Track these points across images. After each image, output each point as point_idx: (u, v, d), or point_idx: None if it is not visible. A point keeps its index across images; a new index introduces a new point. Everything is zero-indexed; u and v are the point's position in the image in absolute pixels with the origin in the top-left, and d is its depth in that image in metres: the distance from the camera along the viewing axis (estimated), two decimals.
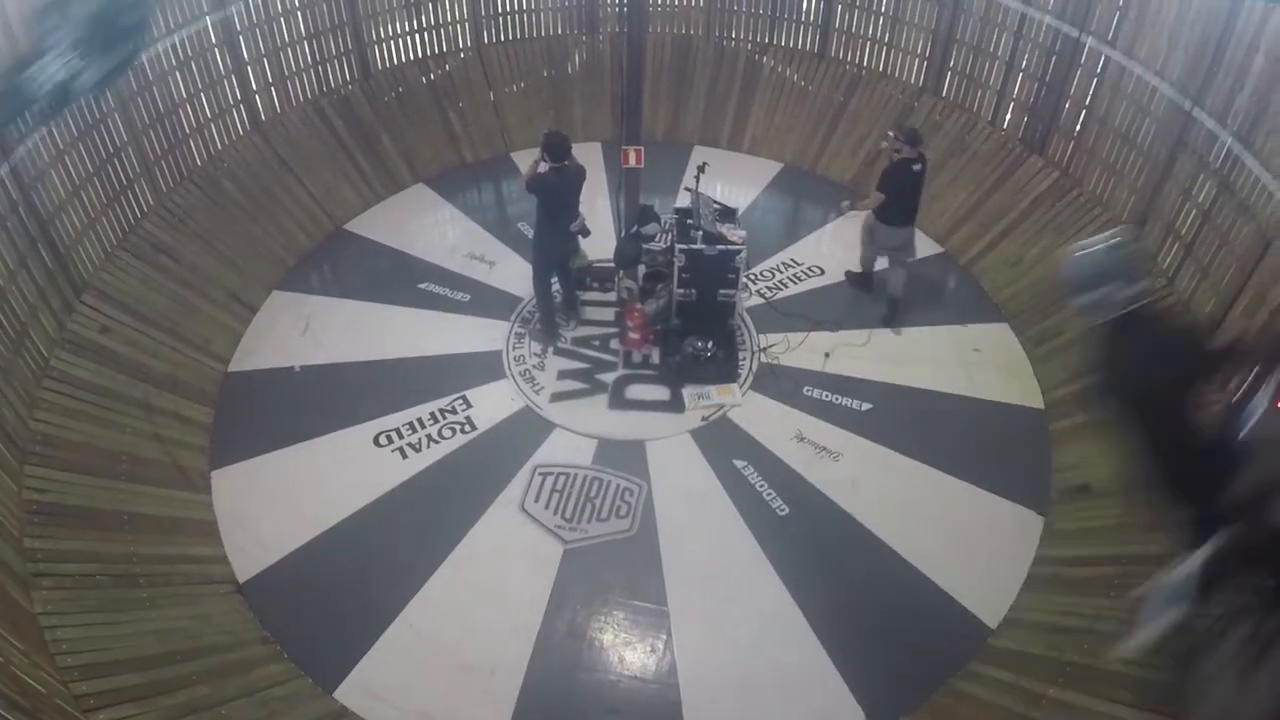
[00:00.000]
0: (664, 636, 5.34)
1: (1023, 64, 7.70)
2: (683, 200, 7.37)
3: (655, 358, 7.01)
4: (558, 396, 6.72)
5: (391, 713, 4.97)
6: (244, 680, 4.90)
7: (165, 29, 6.70)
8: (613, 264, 7.30)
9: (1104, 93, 7.08)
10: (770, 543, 5.77)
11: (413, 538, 5.76)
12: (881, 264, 7.43)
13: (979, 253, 7.76)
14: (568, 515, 5.93)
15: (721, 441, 6.43)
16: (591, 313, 7.39)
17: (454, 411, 6.56)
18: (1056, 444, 6.32)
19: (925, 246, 7.97)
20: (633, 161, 6.77)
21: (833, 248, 7.95)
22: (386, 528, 5.83)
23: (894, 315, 7.27)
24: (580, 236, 6.84)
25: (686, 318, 6.94)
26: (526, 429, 6.48)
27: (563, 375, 6.88)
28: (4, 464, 5.10)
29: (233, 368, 6.79)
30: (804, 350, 7.05)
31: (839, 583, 5.59)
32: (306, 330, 7.12)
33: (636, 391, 6.79)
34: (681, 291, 6.81)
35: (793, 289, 7.63)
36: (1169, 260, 6.46)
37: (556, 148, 6.36)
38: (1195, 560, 3.53)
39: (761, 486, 6.10)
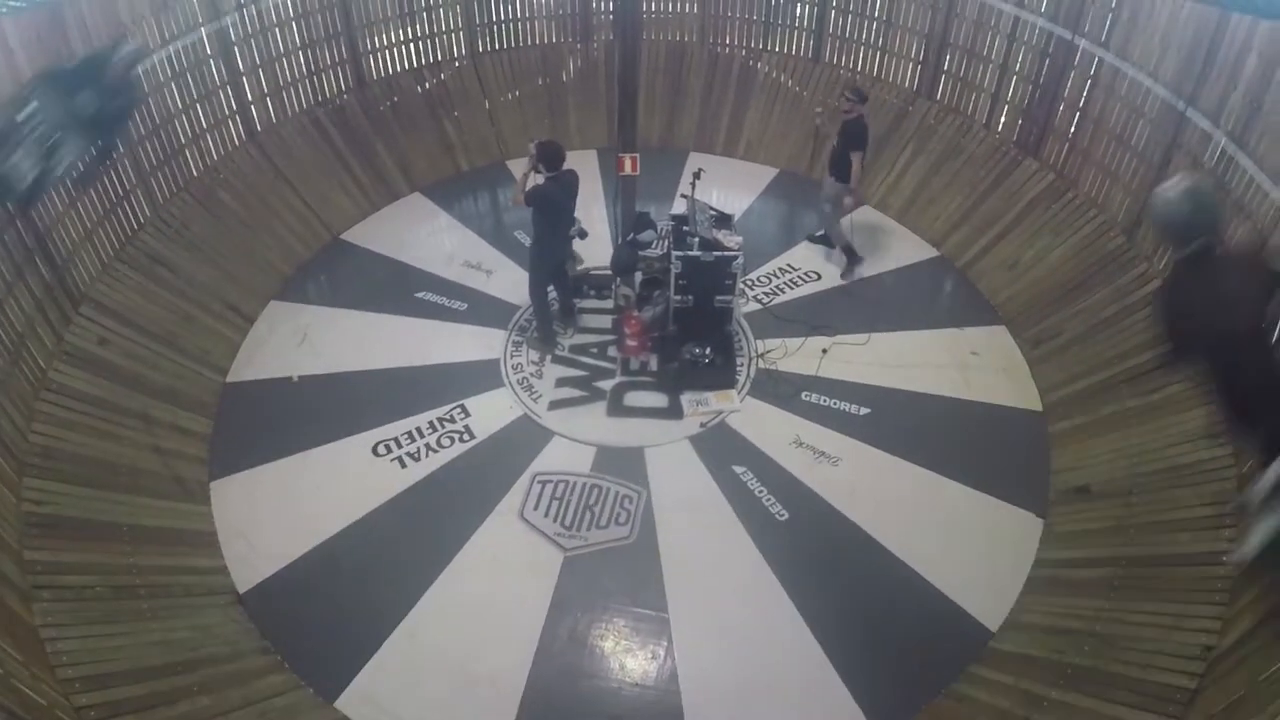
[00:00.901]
0: (665, 643, 5.34)
1: (1016, 67, 7.72)
2: (679, 207, 7.39)
3: (653, 364, 7.01)
4: (556, 404, 6.72)
5: None
6: (245, 691, 4.89)
7: (161, 40, 6.71)
8: (609, 271, 7.32)
9: (1098, 94, 7.10)
10: (770, 548, 5.77)
11: (412, 547, 5.75)
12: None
13: (975, 256, 7.78)
14: (567, 523, 5.93)
15: (720, 447, 6.43)
16: (589, 320, 7.40)
17: (452, 420, 6.56)
18: (1055, 446, 6.32)
19: (921, 250, 8.02)
20: (628, 169, 6.81)
21: (829, 252, 7.97)
22: (386, 537, 5.82)
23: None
24: (577, 238, 6.85)
25: (684, 324, 6.94)
26: (525, 437, 6.48)
27: (561, 383, 6.89)
28: (3, 476, 5.08)
29: (231, 378, 6.78)
30: (802, 355, 7.06)
31: (839, 587, 5.59)
32: (304, 340, 7.12)
33: (635, 398, 6.80)
34: (679, 298, 6.82)
35: (790, 294, 7.65)
36: (1166, 260, 6.46)
37: (554, 157, 6.37)
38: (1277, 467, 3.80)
39: (761, 492, 6.10)
